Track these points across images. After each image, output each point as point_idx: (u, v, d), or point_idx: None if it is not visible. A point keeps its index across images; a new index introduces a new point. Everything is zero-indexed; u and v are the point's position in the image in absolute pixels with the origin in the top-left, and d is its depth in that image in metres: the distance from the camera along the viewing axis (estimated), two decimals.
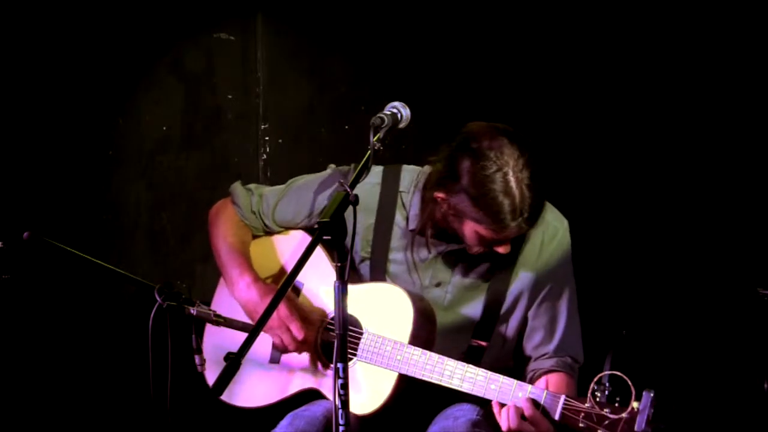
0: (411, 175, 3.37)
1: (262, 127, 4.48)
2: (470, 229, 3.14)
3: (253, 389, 3.36)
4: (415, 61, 4.42)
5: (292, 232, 3.47)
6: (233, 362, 2.60)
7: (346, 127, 4.53)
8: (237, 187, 3.53)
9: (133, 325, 3.98)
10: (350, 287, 3.18)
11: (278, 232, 3.49)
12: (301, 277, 3.35)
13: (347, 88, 4.53)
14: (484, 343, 3.28)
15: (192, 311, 3.13)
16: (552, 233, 3.31)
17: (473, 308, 3.29)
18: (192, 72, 4.42)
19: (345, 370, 2.66)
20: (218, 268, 3.44)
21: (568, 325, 3.30)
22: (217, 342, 3.38)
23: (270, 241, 3.50)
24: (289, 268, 3.41)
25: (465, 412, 3.15)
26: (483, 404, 3.18)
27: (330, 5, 4.48)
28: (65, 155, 4.19)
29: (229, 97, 4.46)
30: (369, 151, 2.94)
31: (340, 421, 2.65)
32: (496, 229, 3.08)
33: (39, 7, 4.10)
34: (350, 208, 2.75)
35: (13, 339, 4.00)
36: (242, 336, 3.24)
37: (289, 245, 3.47)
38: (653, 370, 4.11)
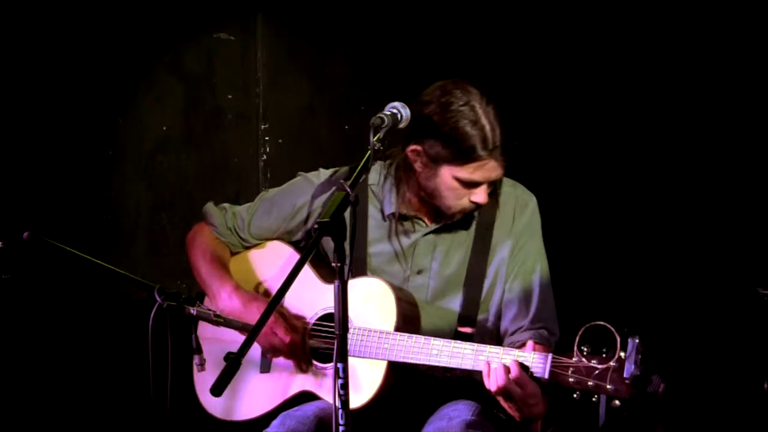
0: (377, 169, 3.46)
1: (262, 127, 4.48)
2: (447, 176, 3.21)
3: (249, 401, 3.38)
4: (415, 61, 4.42)
5: (268, 244, 3.52)
6: (233, 362, 2.60)
7: (346, 127, 4.53)
8: (210, 207, 3.58)
9: (133, 325, 3.98)
10: (332, 286, 3.26)
11: (254, 246, 3.54)
12: (279, 283, 3.39)
13: (347, 88, 4.53)
14: (470, 330, 3.30)
15: (192, 311, 3.12)
16: (523, 204, 3.39)
17: (456, 294, 3.33)
18: (192, 72, 4.42)
19: (345, 370, 2.66)
20: (200, 286, 3.48)
21: (541, 298, 3.33)
22: (212, 346, 3.38)
23: (247, 255, 3.55)
24: (268, 278, 3.47)
25: (460, 412, 3.16)
26: (479, 401, 3.20)
27: (330, 5, 4.48)
28: (65, 155, 4.19)
29: (229, 97, 4.46)
30: (369, 151, 2.95)
31: (341, 421, 2.66)
32: (471, 164, 3.17)
33: (39, 7, 4.10)
34: (355, 207, 2.77)
35: (14, 339, 4.00)
36: (218, 342, 3.34)
37: (266, 257, 3.51)
38: (653, 370, 4.10)
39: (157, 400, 3.01)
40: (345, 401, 2.66)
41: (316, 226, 2.72)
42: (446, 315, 3.33)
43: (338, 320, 2.68)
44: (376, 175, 3.45)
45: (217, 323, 3.22)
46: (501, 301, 3.34)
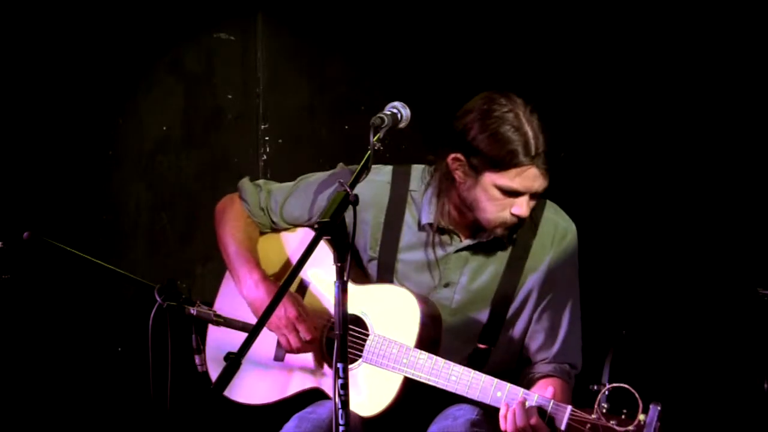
0: (418, 175, 3.37)
1: (262, 127, 4.48)
2: (488, 185, 3.13)
3: (255, 386, 3.34)
4: (415, 61, 4.42)
5: (300, 230, 3.45)
6: (233, 362, 2.60)
7: (346, 127, 4.52)
8: (245, 182, 3.51)
9: (133, 325, 3.98)
10: (358, 288, 3.23)
11: (285, 229, 3.48)
12: (308, 276, 3.36)
13: (347, 88, 4.53)
14: (488, 347, 3.27)
15: (192, 311, 3.13)
16: (562, 233, 3.31)
17: (481, 311, 3.27)
18: (192, 72, 4.42)
19: (345, 370, 2.65)
20: (225, 263, 3.42)
21: (570, 331, 3.29)
22: (221, 340, 3.37)
23: (277, 238, 3.48)
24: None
25: (464, 412, 3.14)
26: (483, 405, 3.18)
27: (330, 5, 4.47)
28: (65, 155, 4.19)
29: (229, 97, 4.46)
30: (369, 151, 2.94)
31: (341, 421, 2.65)
32: (512, 170, 3.09)
33: (39, 7, 4.10)
34: (355, 207, 2.75)
35: (14, 339, 4.00)
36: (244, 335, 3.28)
37: (296, 242, 3.44)
38: (653, 371, 4.11)
39: (157, 400, 3.01)
40: (345, 401, 2.65)
41: (316, 226, 2.71)
42: (468, 328, 3.28)
43: (338, 320, 2.68)
44: (417, 181, 3.36)
45: (217, 323, 3.22)
46: (526, 328, 3.29)
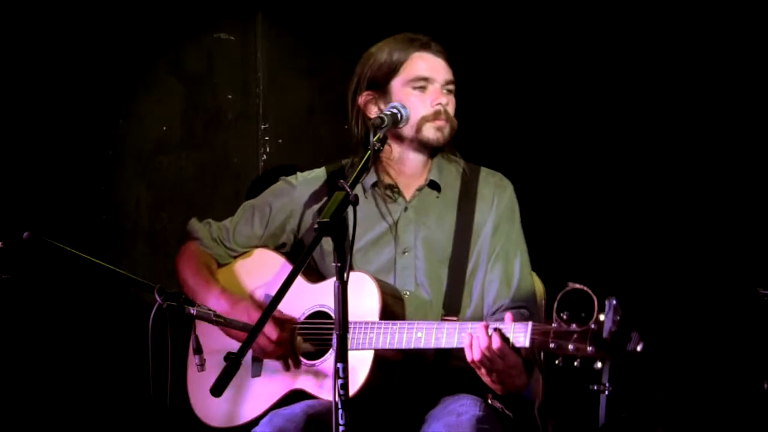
0: (352, 163, 3.51)
1: (262, 127, 4.48)
2: (399, 88, 3.34)
3: (245, 406, 3.39)
4: None
5: (255, 252, 3.56)
6: (233, 362, 2.60)
7: (346, 127, 4.52)
8: (194, 223, 3.64)
9: (133, 325, 3.98)
10: (317, 285, 3.33)
11: (240, 255, 3.58)
12: (266, 288, 3.46)
13: (347, 88, 4.53)
14: (455, 318, 3.31)
15: (192, 311, 3.13)
16: (501, 187, 3.45)
17: (441, 276, 3.35)
18: (192, 72, 4.41)
19: (345, 370, 2.66)
20: (190, 297, 3.48)
21: (522, 277, 3.37)
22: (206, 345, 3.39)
23: (234, 265, 3.58)
24: (257, 285, 3.50)
25: (467, 408, 3.14)
26: (479, 394, 3.21)
27: (330, 5, 4.47)
28: (65, 155, 4.19)
29: (229, 97, 4.45)
30: (369, 151, 2.95)
31: (341, 421, 2.66)
32: (410, 59, 3.34)
33: (39, 7, 4.10)
34: (355, 207, 2.79)
35: (13, 339, 4.00)
36: (215, 342, 3.35)
37: (253, 264, 3.55)
38: (653, 371, 4.11)
39: (157, 400, 3.01)
40: (345, 401, 2.65)
41: (316, 226, 2.73)
42: (433, 300, 3.34)
43: (338, 320, 2.68)
44: (349, 170, 3.49)
45: (217, 323, 3.22)
46: (483, 283, 3.36)
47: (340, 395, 2.65)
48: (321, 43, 4.51)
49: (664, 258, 4.28)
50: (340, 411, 2.65)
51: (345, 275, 2.69)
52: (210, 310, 3.18)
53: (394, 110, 3.14)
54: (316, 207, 3.49)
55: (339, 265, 2.69)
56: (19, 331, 4.02)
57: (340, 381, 2.65)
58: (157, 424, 3.12)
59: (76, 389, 4.15)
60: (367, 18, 4.44)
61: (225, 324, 3.24)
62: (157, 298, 3.04)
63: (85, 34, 4.18)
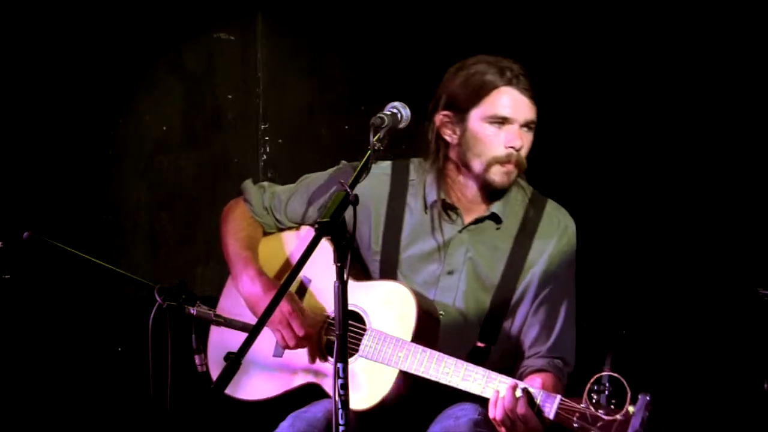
0: (418, 165, 3.43)
1: (262, 127, 4.48)
2: (476, 122, 3.23)
3: (256, 382, 3.35)
4: (415, 61, 4.42)
5: (303, 229, 3.49)
6: (233, 362, 2.60)
7: (346, 127, 4.52)
8: (249, 184, 3.55)
9: (133, 325, 3.98)
10: (358, 284, 3.25)
11: (288, 228, 3.50)
12: (309, 273, 3.38)
13: (347, 88, 4.53)
14: (488, 345, 3.28)
15: (192, 311, 3.13)
16: (563, 228, 3.36)
17: (482, 304, 3.30)
18: (192, 72, 4.42)
19: (345, 370, 2.66)
20: (226, 262, 3.45)
21: (564, 328, 3.30)
22: (223, 341, 3.38)
23: (279, 238, 3.51)
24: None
25: (466, 412, 3.15)
26: (483, 404, 3.18)
27: (330, 5, 4.47)
28: (65, 155, 4.19)
29: (229, 97, 4.46)
30: (369, 151, 2.95)
31: (341, 421, 2.66)
32: (492, 94, 3.22)
33: (39, 7, 4.10)
34: (355, 207, 2.77)
35: (13, 339, 4.00)
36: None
37: (298, 241, 3.47)
38: (653, 370, 4.11)
39: (157, 400, 3.01)
40: (345, 401, 2.65)
41: (316, 225, 2.72)
42: (468, 324, 3.30)
43: (338, 320, 2.68)
44: (416, 171, 3.41)
45: (217, 323, 3.22)
46: (522, 323, 3.30)
47: (340, 395, 2.65)
48: (321, 43, 4.51)
49: (664, 258, 4.28)
50: (340, 411, 2.65)
51: (345, 275, 2.68)
52: (210, 310, 3.18)
53: (395, 110, 3.13)
54: (374, 202, 3.41)
55: (339, 265, 2.69)
56: (20, 331, 4.02)
57: (340, 381, 2.65)
58: (157, 424, 3.12)
59: (76, 389, 4.15)
60: (367, 18, 4.44)
61: (225, 324, 3.23)
62: (157, 298, 3.04)
63: (85, 34, 4.18)
